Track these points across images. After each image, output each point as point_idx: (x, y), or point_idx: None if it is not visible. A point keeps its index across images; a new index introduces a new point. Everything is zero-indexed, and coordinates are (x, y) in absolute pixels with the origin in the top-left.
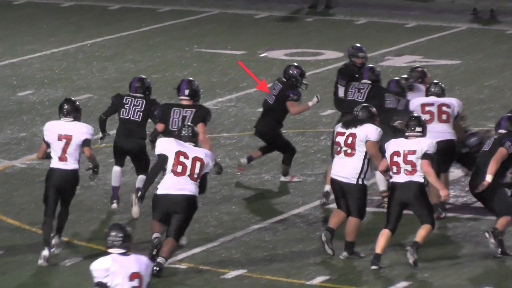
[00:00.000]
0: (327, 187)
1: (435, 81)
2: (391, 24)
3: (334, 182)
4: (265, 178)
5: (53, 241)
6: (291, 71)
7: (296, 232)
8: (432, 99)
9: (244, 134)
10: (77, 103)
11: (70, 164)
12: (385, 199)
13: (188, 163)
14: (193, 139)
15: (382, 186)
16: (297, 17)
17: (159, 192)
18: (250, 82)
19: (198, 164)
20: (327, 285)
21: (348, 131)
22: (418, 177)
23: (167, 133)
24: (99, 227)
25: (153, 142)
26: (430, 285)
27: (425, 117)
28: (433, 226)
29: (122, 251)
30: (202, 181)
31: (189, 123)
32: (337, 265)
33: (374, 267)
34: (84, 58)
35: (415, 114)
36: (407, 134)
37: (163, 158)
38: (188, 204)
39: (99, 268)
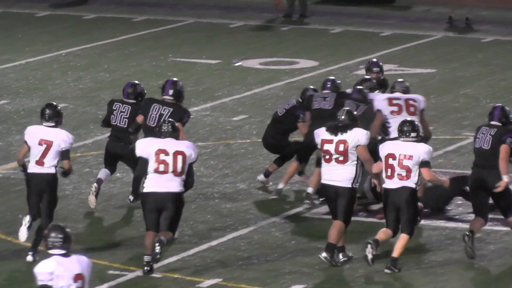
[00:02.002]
0: (281, 185)
1: (399, 79)
2: (367, 33)
3: (328, 188)
4: (240, 187)
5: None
6: (308, 93)
7: (271, 241)
8: (398, 94)
9: (219, 143)
10: (59, 108)
11: (47, 168)
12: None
13: (170, 159)
14: (173, 134)
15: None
16: (272, 26)
17: (145, 190)
18: (225, 91)
19: (179, 158)
20: None
21: (337, 138)
22: (410, 183)
23: (145, 126)
24: (75, 236)
25: (133, 133)
26: None
27: (393, 109)
28: (411, 237)
29: (62, 252)
30: (188, 173)
31: (169, 119)
32: (313, 273)
33: (388, 271)
34: (59, 67)
35: (409, 119)
36: (401, 139)
37: (143, 161)
38: (174, 201)
39: (44, 271)
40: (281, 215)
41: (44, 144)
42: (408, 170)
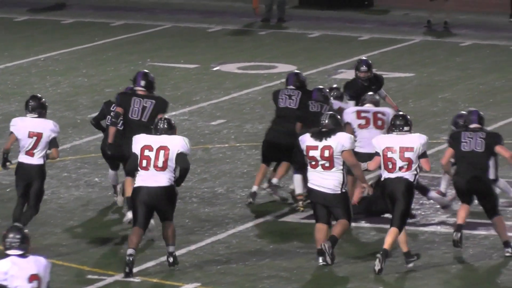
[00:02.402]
0: (255, 188)
1: (370, 92)
2: (345, 37)
3: (316, 194)
4: (219, 191)
5: None
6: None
7: (250, 245)
8: (367, 107)
9: (198, 147)
10: (43, 100)
11: (36, 159)
12: (300, 203)
13: (152, 154)
14: (169, 131)
15: (298, 189)
16: (250, 31)
17: (136, 185)
18: (203, 96)
19: (161, 153)
20: None
21: (321, 144)
22: (410, 175)
23: (127, 121)
24: (54, 241)
25: (114, 125)
26: None
27: (361, 122)
28: (400, 231)
29: (20, 252)
30: (177, 161)
31: (165, 117)
32: (291, 278)
33: (410, 264)
34: (37, 72)
35: (401, 113)
36: (395, 133)
37: (134, 156)
38: (164, 195)
39: None
40: (259, 219)
41: (35, 136)
42: (410, 162)
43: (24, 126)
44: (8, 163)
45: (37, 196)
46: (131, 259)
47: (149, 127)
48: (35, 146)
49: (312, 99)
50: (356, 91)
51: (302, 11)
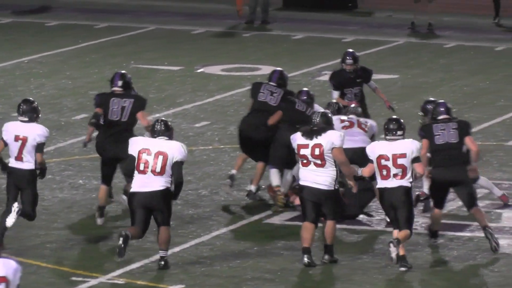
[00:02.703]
0: (233, 171)
1: (353, 105)
2: (329, 38)
3: (309, 190)
4: (203, 193)
5: None
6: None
7: (233, 247)
8: (351, 118)
9: None
10: (35, 104)
11: (26, 163)
12: (279, 194)
13: (150, 158)
14: (166, 133)
15: (275, 181)
16: (234, 33)
17: (131, 190)
18: (187, 98)
19: (160, 158)
20: None
21: (312, 142)
22: (406, 182)
23: (106, 122)
24: (38, 243)
25: (93, 124)
26: None
27: (345, 124)
28: (411, 233)
29: None
30: (173, 171)
31: (162, 118)
32: (275, 280)
33: (403, 268)
34: (21, 74)
35: (394, 117)
36: (388, 137)
37: (132, 158)
38: (160, 198)
39: None
40: (243, 221)
41: (20, 140)
42: (404, 169)
43: (12, 130)
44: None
45: (32, 202)
46: (124, 233)
47: (130, 127)
48: (21, 150)
49: (295, 98)
50: (341, 81)
51: (286, 13)
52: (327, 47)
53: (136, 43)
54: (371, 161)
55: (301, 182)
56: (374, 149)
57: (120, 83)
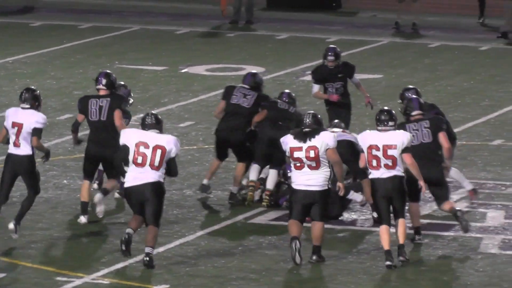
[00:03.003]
0: (205, 181)
1: (336, 120)
2: (313, 38)
3: (304, 193)
4: (187, 193)
5: (9, 226)
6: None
7: (218, 247)
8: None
9: None
10: (37, 92)
11: (23, 149)
12: (251, 189)
13: (149, 152)
14: (157, 126)
15: (253, 175)
16: (218, 33)
17: (125, 185)
18: (171, 98)
19: (158, 152)
20: None
21: (306, 145)
22: (398, 171)
23: (89, 123)
24: (23, 243)
25: (74, 132)
26: None
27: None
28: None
29: None
30: (169, 166)
31: (152, 112)
32: (260, 279)
33: (388, 262)
34: (6, 75)
35: (386, 108)
36: (379, 128)
37: (125, 148)
38: (153, 190)
39: None
40: (228, 221)
41: (16, 126)
42: (394, 159)
43: (11, 116)
44: None
45: (32, 186)
46: (126, 237)
47: (110, 125)
48: (17, 136)
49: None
50: (322, 76)
51: (270, 13)
52: (311, 47)
53: (120, 44)
54: (363, 151)
55: (294, 186)
56: (366, 139)
57: (104, 81)
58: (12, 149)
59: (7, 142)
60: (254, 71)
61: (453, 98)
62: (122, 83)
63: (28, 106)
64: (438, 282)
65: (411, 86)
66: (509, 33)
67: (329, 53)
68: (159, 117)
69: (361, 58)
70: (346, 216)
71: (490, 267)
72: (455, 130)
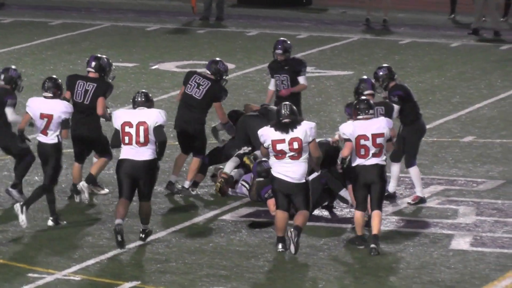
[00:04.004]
0: (173, 178)
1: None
2: (283, 35)
3: (280, 182)
4: (158, 190)
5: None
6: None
7: (189, 244)
8: None
9: None
10: (59, 81)
11: (51, 138)
12: (219, 181)
13: (132, 131)
14: (146, 103)
15: (228, 168)
16: (188, 29)
17: (120, 157)
18: None
19: (141, 129)
20: None
21: (288, 136)
22: (382, 160)
23: (73, 103)
24: None
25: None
26: None
27: None
28: (381, 211)
29: None
30: (155, 134)
31: (143, 90)
32: (230, 276)
33: (361, 247)
34: None
35: (363, 97)
36: (360, 117)
37: (116, 133)
38: (146, 169)
39: None
40: (198, 217)
41: (45, 118)
42: (381, 148)
43: (36, 107)
44: (27, 141)
45: (54, 171)
46: (118, 228)
47: (93, 110)
48: (47, 126)
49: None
50: (270, 67)
51: (240, 9)
52: None
53: (90, 40)
54: (349, 140)
55: (274, 173)
56: (354, 130)
57: (93, 64)
58: (40, 138)
59: (30, 125)
60: (218, 58)
61: (423, 94)
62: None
63: (51, 94)
64: (409, 279)
65: (385, 65)
66: (480, 29)
67: (278, 46)
68: (150, 95)
69: (332, 54)
70: (316, 212)
71: (461, 264)
72: (426, 127)
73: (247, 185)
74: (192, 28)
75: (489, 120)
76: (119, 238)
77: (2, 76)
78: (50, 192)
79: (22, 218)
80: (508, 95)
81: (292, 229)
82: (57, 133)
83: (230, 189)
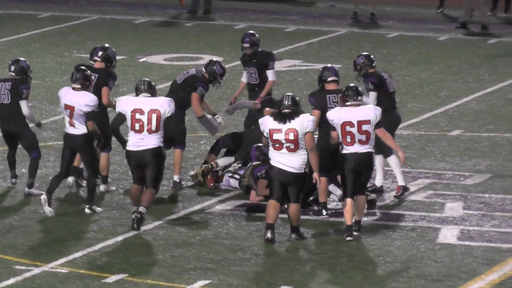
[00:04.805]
0: (176, 177)
1: None
2: (271, 28)
3: (278, 171)
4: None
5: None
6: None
7: (176, 236)
8: None
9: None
10: (88, 72)
11: (78, 129)
12: (202, 168)
13: (144, 118)
14: (149, 90)
15: (222, 162)
16: (176, 22)
17: (127, 148)
18: (130, 87)
19: (154, 117)
20: None
21: (285, 126)
22: (370, 147)
23: None
24: None
25: None
26: None
27: None
28: (366, 198)
29: None
30: (172, 128)
31: (145, 78)
32: (217, 269)
33: (349, 238)
34: None
35: (352, 84)
36: (348, 104)
37: (121, 116)
38: (153, 156)
39: None
40: (185, 210)
41: (68, 109)
42: (368, 134)
43: (64, 97)
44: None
45: (90, 162)
46: (134, 215)
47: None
48: (71, 117)
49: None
50: (243, 61)
51: (228, 2)
52: (269, 37)
53: (78, 33)
54: (334, 128)
55: (272, 162)
56: (339, 116)
57: (100, 53)
58: (68, 128)
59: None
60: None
61: (411, 88)
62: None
63: (79, 86)
64: (396, 272)
65: (365, 53)
66: (468, 23)
67: (245, 40)
68: (152, 83)
69: (319, 48)
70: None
71: (448, 257)
72: (414, 121)
73: (237, 176)
74: (180, 21)
75: (476, 114)
76: (135, 226)
77: (13, 68)
78: (91, 181)
79: (48, 209)
80: (495, 89)
81: (291, 235)
82: (83, 124)
83: (216, 183)
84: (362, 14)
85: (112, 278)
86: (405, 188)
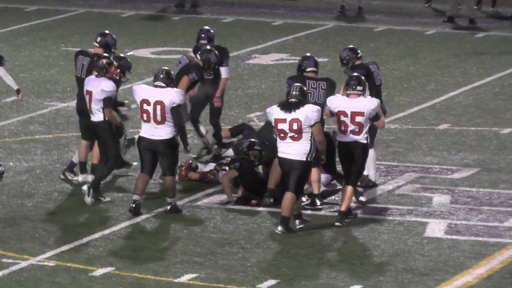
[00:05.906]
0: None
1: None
2: (258, 22)
3: (283, 161)
4: (133, 176)
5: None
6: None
7: (163, 230)
8: None
9: None
10: (106, 60)
11: (96, 116)
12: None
13: (150, 109)
14: (165, 80)
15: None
16: (163, 16)
17: (140, 135)
18: None
19: (158, 108)
20: (195, 283)
21: (290, 116)
22: (362, 138)
23: (76, 78)
24: None
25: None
26: (298, 283)
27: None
28: (355, 189)
29: None
30: (171, 115)
31: (166, 68)
32: (204, 263)
33: (338, 224)
34: None
35: (355, 74)
36: (348, 92)
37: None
38: (165, 147)
39: None
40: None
41: (87, 94)
42: (361, 126)
43: (86, 84)
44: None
45: (108, 150)
46: (134, 205)
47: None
48: (90, 103)
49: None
50: None
51: None
52: (256, 31)
53: (65, 27)
54: (334, 114)
55: (279, 154)
56: (336, 104)
57: (99, 39)
58: (90, 117)
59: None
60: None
61: (398, 82)
62: (122, 55)
63: (96, 73)
64: (383, 266)
65: (351, 46)
66: (455, 17)
67: (202, 36)
68: (171, 72)
69: (306, 41)
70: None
71: (435, 251)
72: (401, 115)
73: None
74: (167, 15)
75: (464, 108)
76: (134, 213)
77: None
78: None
79: (88, 199)
80: (483, 83)
81: (278, 227)
82: (101, 111)
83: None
84: (349, 8)
85: (99, 272)
86: (374, 184)
